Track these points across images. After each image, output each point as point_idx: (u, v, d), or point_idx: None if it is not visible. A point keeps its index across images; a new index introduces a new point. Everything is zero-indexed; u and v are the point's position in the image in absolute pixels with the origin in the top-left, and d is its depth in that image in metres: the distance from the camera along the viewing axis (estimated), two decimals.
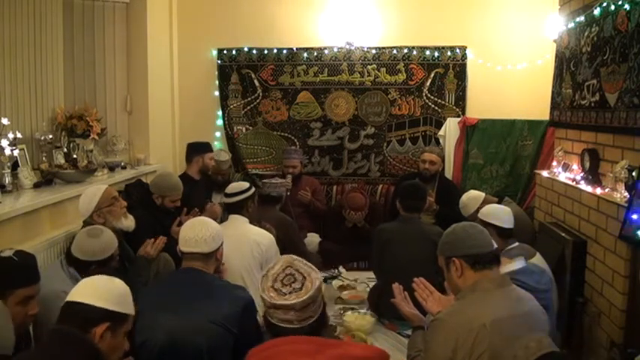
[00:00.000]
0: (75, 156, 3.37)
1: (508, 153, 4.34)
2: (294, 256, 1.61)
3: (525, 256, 2.43)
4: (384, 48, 4.58)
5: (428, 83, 4.59)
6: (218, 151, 4.41)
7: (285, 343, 1.46)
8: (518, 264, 2.29)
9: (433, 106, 4.61)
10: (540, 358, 1.36)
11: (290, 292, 1.49)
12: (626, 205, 2.29)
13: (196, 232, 2.14)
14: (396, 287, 2.15)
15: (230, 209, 3.09)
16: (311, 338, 1.46)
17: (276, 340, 1.50)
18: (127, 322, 1.52)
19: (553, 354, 1.39)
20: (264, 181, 3.70)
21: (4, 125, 2.75)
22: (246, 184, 3.14)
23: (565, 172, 3.22)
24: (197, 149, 4.11)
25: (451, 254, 1.82)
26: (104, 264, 2.20)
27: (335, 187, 4.72)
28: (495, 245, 1.87)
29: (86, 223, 2.66)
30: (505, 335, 1.62)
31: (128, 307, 1.52)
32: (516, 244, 2.60)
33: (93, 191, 2.68)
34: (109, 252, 2.23)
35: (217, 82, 4.76)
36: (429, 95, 4.60)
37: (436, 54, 4.55)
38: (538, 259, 2.56)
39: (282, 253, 3.15)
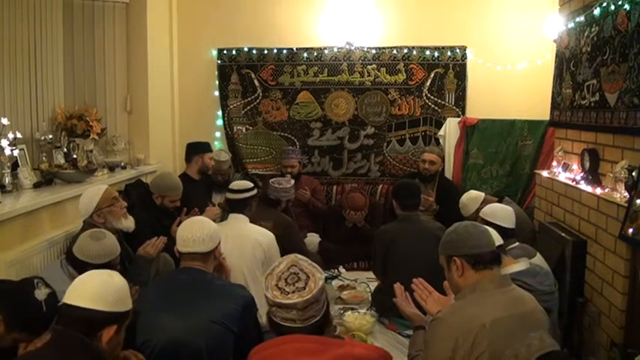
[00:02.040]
0: (75, 156, 3.37)
1: (508, 153, 4.34)
2: (300, 256, 1.61)
3: (526, 256, 2.43)
4: (383, 48, 4.58)
5: (428, 83, 4.59)
6: (218, 151, 4.41)
7: (289, 341, 1.46)
8: (522, 265, 2.29)
9: (433, 106, 4.61)
10: (542, 357, 1.36)
11: (293, 292, 1.49)
12: (626, 205, 2.29)
13: (193, 232, 2.13)
14: (398, 287, 2.15)
15: (233, 206, 3.09)
16: (314, 337, 1.46)
17: (280, 338, 1.51)
18: (129, 318, 1.52)
19: (553, 353, 1.39)
20: (272, 180, 3.66)
21: (4, 125, 2.74)
22: (251, 184, 3.15)
23: (565, 172, 3.22)
24: (197, 149, 4.10)
25: (452, 253, 1.81)
26: (100, 269, 2.18)
27: (335, 187, 4.72)
28: (497, 243, 1.87)
29: (86, 223, 2.67)
30: (505, 335, 1.61)
31: (129, 303, 1.51)
32: (516, 244, 2.60)
33: (93, 191, 2.68)
34: (107, 258, 2.20)
35: (217, 82, 4.76)
36: (429, 95, 4.60)
37: (436, 54, 4.55)
38: (538, 259, 2.57)
39: (282, 254, 3.16)
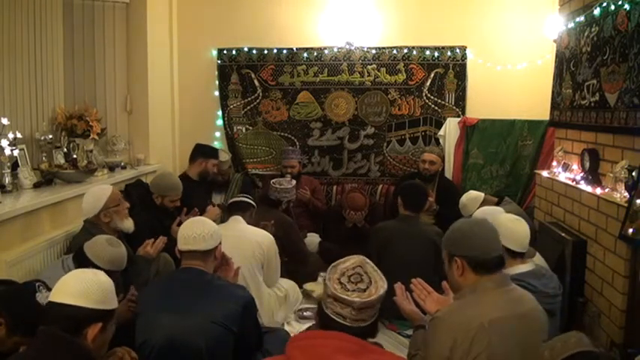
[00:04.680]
0: (75, 156, 3.37)
1: (508, 153, 4.34)
2: (368, 260, 1.61)
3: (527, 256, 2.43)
4: (383, 48, 4.58)
5: (428, 83, 4.58)
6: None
7: (330, 337, 1.46)
8: (528, 266, 2.27)
9: (433, 106, 4.61)
10: (576, 355, 1.36)
11: (354, 290, 1.49)
12: (626, 205, 2.29)
13: (194, 230, 2.14)
14: (399, 286, 2.14)
15: (234, 207, 3.13)
16: (355, 339, 1.45)
17: (322, 331, 1.51)
18: (114, 317, 1.52)
19: (588, 352, 1.39)
20: (273, 180, 3.67)
21: (4, 125, 2.75)
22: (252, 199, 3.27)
23: (565, 172, 3.22)
24: (204, 152, 4.11)
25: (455, 252, 1.78)
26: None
27: (335, 187, 4.71)
28: (501, 251, 1.79)
29: (87, 223, 2.67)
30: (504, 335, 1.61)
31: (114, 302, 1.51)
32: None
33: (100, 191, 2.70)
34: (113, 267, 2.19)
35: (217, 82, 4.75)
36: (429, 95, 4.60)
37: (436, 54, 4.55)
38: (537, 259, 2.56)
39: (281, 253, 3.17)
